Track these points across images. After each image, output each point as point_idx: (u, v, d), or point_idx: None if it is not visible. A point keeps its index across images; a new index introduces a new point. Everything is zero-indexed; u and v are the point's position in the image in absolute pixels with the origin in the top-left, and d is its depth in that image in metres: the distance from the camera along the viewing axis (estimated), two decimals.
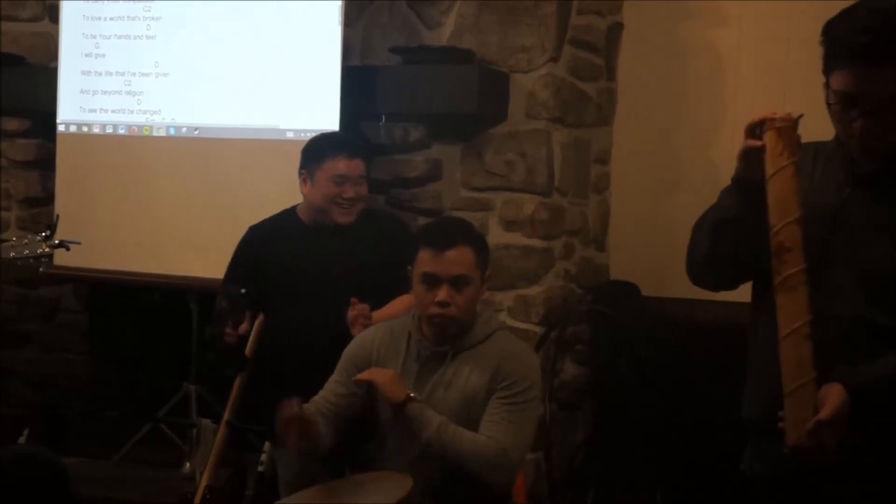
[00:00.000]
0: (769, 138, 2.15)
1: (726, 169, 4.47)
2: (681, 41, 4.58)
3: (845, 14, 2.17)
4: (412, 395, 2.72)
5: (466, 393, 2.78)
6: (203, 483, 3.30)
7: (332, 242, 3.42)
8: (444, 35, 4.56)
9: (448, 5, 4.56)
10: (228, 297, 3.34)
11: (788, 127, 2.14)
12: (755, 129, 2.19)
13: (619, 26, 4.69)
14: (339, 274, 3.38)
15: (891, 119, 2.14)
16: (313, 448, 2.76)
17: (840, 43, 2.15)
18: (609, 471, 4.38)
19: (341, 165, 3.42)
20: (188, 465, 4.58)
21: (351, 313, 3.18)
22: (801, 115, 2.17)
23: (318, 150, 3.52)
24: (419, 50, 4.53)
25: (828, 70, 2.18)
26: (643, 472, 4.31)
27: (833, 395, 2.08)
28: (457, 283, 2.77)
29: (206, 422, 3.66)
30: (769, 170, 2.15)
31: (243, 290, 3.34)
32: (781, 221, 2.13)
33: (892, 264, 2.16)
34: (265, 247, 3.53)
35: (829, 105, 2.20)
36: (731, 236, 2.25)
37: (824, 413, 2.07)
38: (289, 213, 3.59)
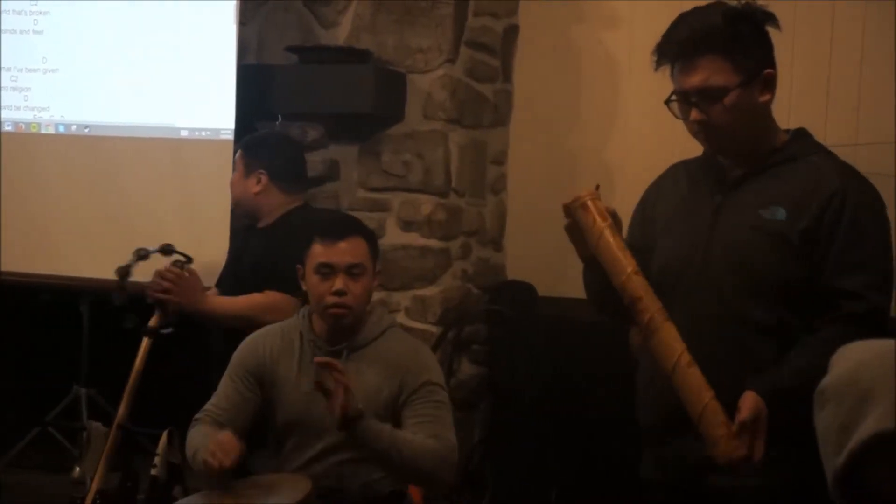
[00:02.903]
0: (579, 217, 2.28)
1: (620, 169, 4.59)
2: (574, 43, 4.63)
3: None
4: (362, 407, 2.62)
5: (367, 392, 2.77)
6: (94, 488, 3.24)
7: (253, 240, 3.55)
8: (340, 35, 4.55)
9: (344, 5, 4.55)
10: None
11: (587, 201, 2.27)
12: (568, 214, 2.30)
13: (514, 28, 4.73)
14: (247, 270, 3.48)
15: (719, 110, 2.22)
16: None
17: (664, 42, 2.28)
18: (505, 470, 4.41)
19: None
20: (78, 469, 4.47)
21: None
22: (597, 186, 2.30)
23: None
24: (316, 49, 4.50)
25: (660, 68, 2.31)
26: (539, 471, 4.35)
27: (747, 399, 2.15)
28: (352, 272, 2.77)
29: (97, 425, 3.59)
30: (591, 242, 2.27)
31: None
32: (620, 279, 2.24)
33: (767, 263, 2.23)
34: (232, 239, 3.83)
35: (667, 103, 2.29)
36: (606, 305, 2.36)
37: (743, 414, 2.13)
38: None
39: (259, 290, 3.35)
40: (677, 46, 2.25)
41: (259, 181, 3.53)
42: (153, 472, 3.08)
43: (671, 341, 2.18)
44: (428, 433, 2.70)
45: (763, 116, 2.30)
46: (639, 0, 4.44)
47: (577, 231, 2.30)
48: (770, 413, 2.14)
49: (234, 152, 3.72)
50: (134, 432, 3.38)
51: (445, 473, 2.72)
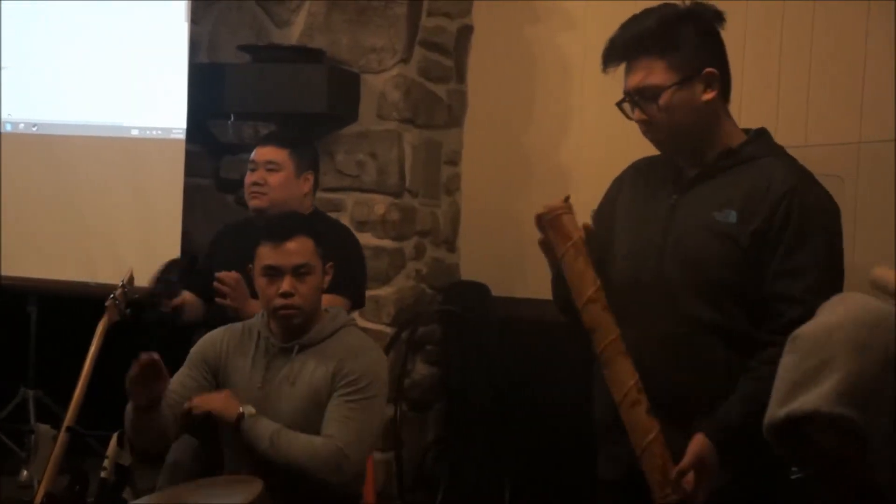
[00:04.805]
0: (548, 233, 2.27)
1: (574, 170, 4.60)
2: (529, 44, 4.64)
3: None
4: (242, 410, 2.70)
5: (312, 388, 2.78)
6: (41, 491, 3.20)
7: None
8: (293, 34, 4.53)
9: (297, 4, 4.52)
10: (164, 281, 3.44)
11: (554, 217, 2.25)
12: (541, 227, 2.29)
13: (468, 29, 4.73)
14: None
15: (655, 109, 2.25)
16: (156, 403, 2.70)
17: (607, 45, 2.30)
18: (458, 470, 4.41)
19: (253, 153, 3.54)
20: (25, 472, 4.42)
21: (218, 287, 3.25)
22: (567, 197, 2.27)
23: None
24: (268, 48, 4.47)
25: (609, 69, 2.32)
26: (492, 471, 4.35)
27: (693, 444, 2.18)
28: (298, 272, 2.77)
29: (45, 427, 3.56)
30: (558, 259, 2.27)
31: (174, 279, 3.44)
32: (580, 302, 2.24)
33: (717, 265, 2.24)
34: (217, 242, 3.68)
35: (619, 105, 2.31)
36: (572, 312, 2.35)
37: (683, 462, 2.15)
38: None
39: None
40: (618, 48, 2.28)
41: (308, 181, 3.52)
42: (102, 474, 3.05)
43: (621, 376, 2.20)
44: (330, 431, 2.71)
45: (710, 116, 2.31)
46: (593, 0, 4.46)
47: (544, 247, 2.31)
48: (723, 447, 2.17)
49: (264, 146, 3.55)
50: (82, 434, 3.35)
51: (330, 476, 2.69)
